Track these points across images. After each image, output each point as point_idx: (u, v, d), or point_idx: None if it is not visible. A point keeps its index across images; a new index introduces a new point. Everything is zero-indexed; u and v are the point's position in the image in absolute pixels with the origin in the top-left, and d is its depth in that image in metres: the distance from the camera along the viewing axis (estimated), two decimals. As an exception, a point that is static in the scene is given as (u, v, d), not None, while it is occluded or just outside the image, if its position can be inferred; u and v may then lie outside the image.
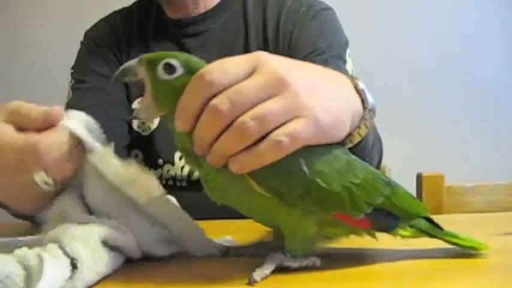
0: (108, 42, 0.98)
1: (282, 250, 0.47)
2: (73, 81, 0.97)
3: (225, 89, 0.42)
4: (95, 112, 0.54)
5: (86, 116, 0.53)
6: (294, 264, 0.46)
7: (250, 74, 0.42)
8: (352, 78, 0.53)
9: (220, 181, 0.46)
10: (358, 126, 0.51)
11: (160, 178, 0.91)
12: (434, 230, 0.51)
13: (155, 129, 0.93)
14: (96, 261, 0.45)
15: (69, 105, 0.93)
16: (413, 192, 1.10)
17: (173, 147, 0.86)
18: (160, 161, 0.92)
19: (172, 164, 0.91)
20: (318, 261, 0.47)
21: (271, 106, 0.41)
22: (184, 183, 0.90)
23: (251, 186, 0.45)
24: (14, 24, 1.74)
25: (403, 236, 0.50)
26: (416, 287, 0.44)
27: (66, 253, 0.43)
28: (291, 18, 0.93)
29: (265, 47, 0.93)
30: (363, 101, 0.51)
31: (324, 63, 0.85)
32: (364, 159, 0.63)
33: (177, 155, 0.91)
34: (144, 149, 0.94)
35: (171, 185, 0.91)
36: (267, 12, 0.95)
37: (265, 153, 0.41)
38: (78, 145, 0.51)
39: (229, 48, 0.94)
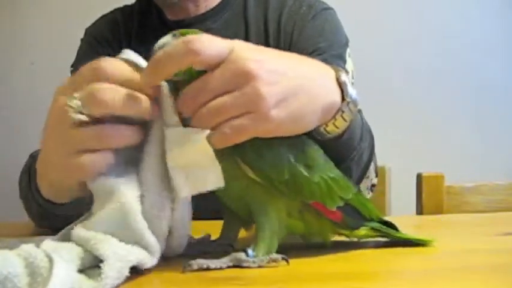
0: (109, 41, 0.98)
1: (245, 249, 0.48)
2: None
3: (206, 61, 0.45)
4: None
5: None
6: (253, 265, 0.47)
7: (225, 58, 0.46)
8: (337, 70, 0.54)
9: None
10: (334, 118, 0.53)
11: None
12: (386, 229, 0.56)
13: None
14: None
15: None
16: (413, 192, 1.10)
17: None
18: None
19: None
20: (279, 257, 0.48)
21: (227, 101, 0.45)
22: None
23: (241, 170, 0.48)
24: (14, 24, 1.74)
25: (358, 237, 0.55)
26: None
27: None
28: (291, 18, 0.93)
29: (266, 47, 0.93)
30: (343, 93, 0.53)
31: (324, 62, 0.85)
32: (350, 153, 0.65)
33: None
34: None
35: None
36: (268, 12, 0.95)
37: (214, 142, 0.46)
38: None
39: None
